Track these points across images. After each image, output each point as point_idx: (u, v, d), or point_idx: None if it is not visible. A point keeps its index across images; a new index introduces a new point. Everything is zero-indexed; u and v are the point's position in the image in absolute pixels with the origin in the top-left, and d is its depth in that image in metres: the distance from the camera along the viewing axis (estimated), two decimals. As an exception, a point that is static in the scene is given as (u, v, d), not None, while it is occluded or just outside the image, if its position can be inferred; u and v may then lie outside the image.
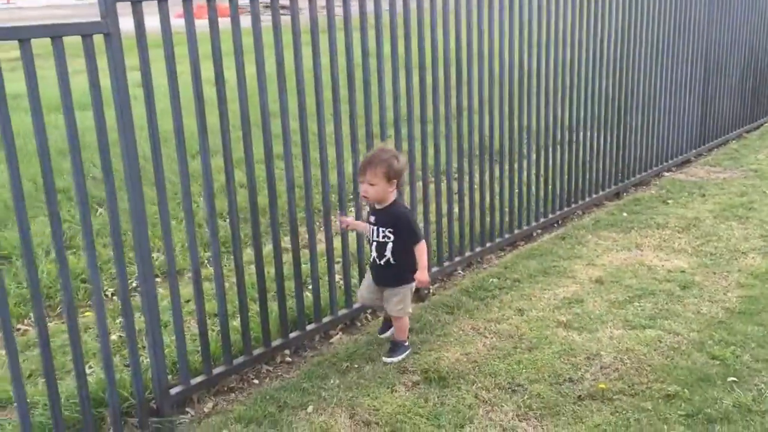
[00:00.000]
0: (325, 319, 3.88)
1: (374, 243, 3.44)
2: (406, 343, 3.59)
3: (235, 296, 3.56)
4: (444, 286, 4.54)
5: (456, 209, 4.69)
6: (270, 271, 3.80)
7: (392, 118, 4.10)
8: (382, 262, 3.44)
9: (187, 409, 3.28)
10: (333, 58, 3.65)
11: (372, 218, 3.45)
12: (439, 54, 4.29)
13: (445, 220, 4.60)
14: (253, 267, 3.72)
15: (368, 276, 3.62)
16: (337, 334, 3.96)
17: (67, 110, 2.69)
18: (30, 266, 2.67)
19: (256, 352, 3.56)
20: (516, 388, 3.27)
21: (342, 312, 3.97)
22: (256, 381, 3.53)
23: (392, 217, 3.38)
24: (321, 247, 4.14)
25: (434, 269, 4.51)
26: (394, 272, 3.46)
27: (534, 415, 3.08)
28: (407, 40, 4.06)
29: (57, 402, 2.80)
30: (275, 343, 3.64)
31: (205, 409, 3.30)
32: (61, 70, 2.66)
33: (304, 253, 3.76)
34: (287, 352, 3.75)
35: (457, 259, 4.70)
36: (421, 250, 3.40)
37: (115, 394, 2.99)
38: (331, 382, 3.39)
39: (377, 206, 3.43)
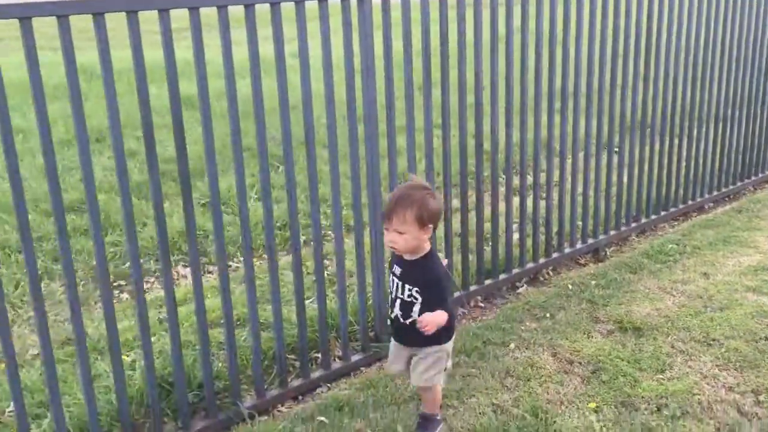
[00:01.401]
0: (515, 271, 4.17)
1: (398, 300, 2.70)
2: (438, 417, 2.89)
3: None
4: (620, 249, 4.70)
5: (635, 175, 4.81)
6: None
7: (585, 86, 4.29)
8: (407, 322, 2.68)
9: (397, 340, 3.66)
10: (523, 25, 3.89)
11: (397, 269, 2.70)
12: (631, 23, 4.42)
13: (624, 187, 4.75)
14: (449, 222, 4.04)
15: (393, 340, 2.88)
16: (523, 285, 4.23)
17: (305, 75, 3.06)
18: (271, 208, 3.09)
19: (456, 294, 3.89)
20: (711, 342, 3.43)
21: (529, 265, 4.24)
22: (454, 321, 3.87)
23: (422, 276, 2.62)
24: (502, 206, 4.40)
25: (611, 233, 4.69)
26: (423, 333, 2.63)
27: (733, 366, 3.23)
28: (604, 12, 4.22)
29: (304, 324, 3.24)
30: (472, 288, 3.96)
31: (413, 341, 3.67)
32: (325, 31, 3.02)
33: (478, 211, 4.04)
34: (479, 297, 4.06)
35: (633, 225, 4.85)
36: (441, 314, 2.60)
37: (346, 320, 3.40)
38: (528, 325, 3.67)
39: (406, 256, 2.66)
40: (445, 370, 2.80)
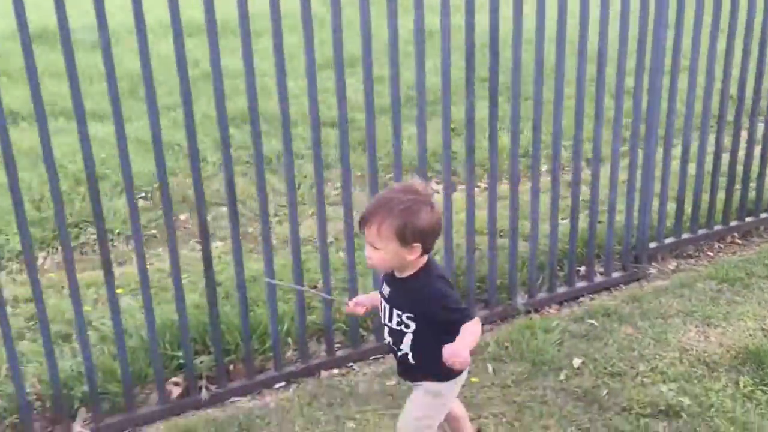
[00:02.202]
0: (777, 212, 4.16)
1: (386, 328, 2.13)
2: None
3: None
4: None
5: None
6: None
7: None
8: (399, 354, 2.13)
9: (654, 264, 3.85)
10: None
11: (385, 289, 2.11)
12: None
13: None
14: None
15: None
16: (784, 227, 4.22)
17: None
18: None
19: (716, 227, 3.98)
20: None
21: (794, 208, 4.21)
22: (710, 253, 3.98)
23: (415, 298, 2.03)
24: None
25: None
26: (418, 368, 2.13)
27: None
28: None
29: (575, 240, 3.52)
30: (732, 223, 4.02)
31: (669, 267, 3.84)
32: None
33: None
34: (736, 234, 4.11)
35: None
36: (472, 331, 1.97)
37: (612, 239, 3.63)
38: (795, 265, 3.71)
39: (396, 273, 2.07)
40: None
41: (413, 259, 1.97)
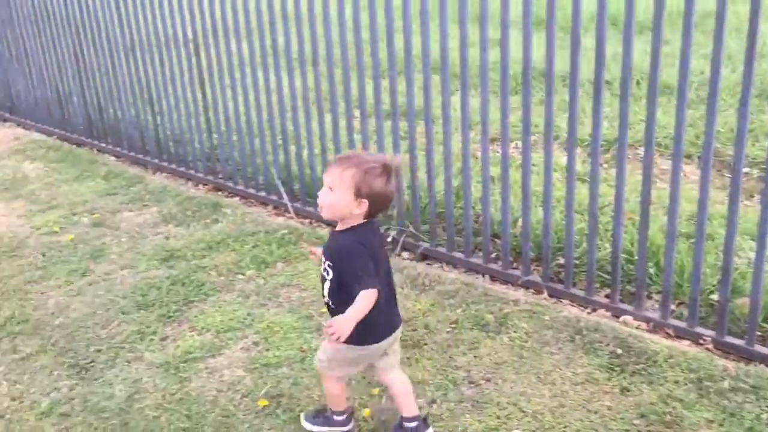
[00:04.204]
0: None
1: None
2: (327, 414, 2.48)
3: None
4: None
5: None
6: None
7: None
8: (324, 302, 2.32)
9: None
10: None
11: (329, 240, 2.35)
12: None
13: None
14: None
15: None
16: None
17: None
18: None
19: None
20: None
21: None
22: None
23: (334, 248, 2.23)
24: None
25: None
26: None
27: None
28: None
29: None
30: None
31: None
32: None
33: None
34: None
35: None
36: (361, 303, 2.08)
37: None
38: None
39: (338, 226, 2.26)
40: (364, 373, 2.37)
41: (358, 213, 2.17)
